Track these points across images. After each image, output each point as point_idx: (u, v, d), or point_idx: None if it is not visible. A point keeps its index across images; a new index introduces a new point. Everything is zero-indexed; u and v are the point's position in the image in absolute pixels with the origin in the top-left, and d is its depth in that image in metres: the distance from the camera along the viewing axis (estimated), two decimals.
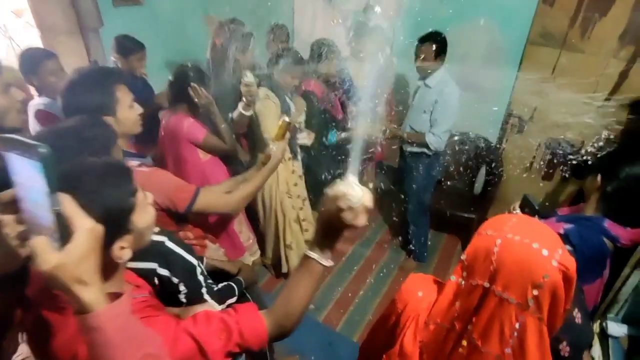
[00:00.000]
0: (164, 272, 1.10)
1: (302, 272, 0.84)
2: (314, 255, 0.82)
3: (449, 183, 3.42)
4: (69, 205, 0.56)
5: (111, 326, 0.58)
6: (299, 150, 2.64)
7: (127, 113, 1.33)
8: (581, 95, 2.72)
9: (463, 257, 0.86)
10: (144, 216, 0.78)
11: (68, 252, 0.54)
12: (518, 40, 2.82)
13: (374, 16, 2.99)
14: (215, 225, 2.09)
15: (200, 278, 1.21)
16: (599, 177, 1.38)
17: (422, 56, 2.41)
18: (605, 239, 1.36)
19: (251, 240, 2.48)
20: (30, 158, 0.50)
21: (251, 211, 2.64)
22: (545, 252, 0.75)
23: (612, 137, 2.60)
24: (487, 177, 3.32)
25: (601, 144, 2.63)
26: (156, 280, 1.10)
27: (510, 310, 0.77)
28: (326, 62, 2.68)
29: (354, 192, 0.73)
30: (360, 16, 3.06)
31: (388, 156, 3.58)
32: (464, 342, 0.83)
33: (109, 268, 0.74)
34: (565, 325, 0.91)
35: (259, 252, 2.58)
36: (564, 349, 0.96)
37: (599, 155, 1.53)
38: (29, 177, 0.51)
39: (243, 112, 2.12)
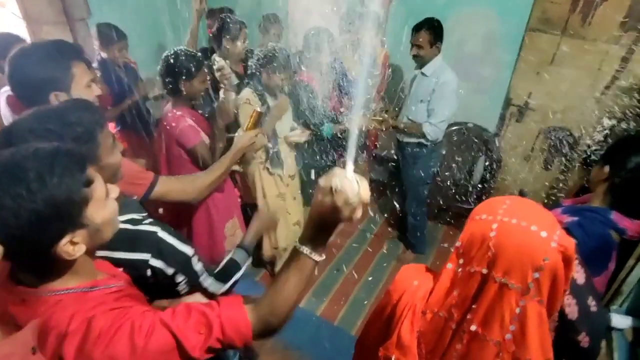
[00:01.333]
0: (157, 263, 1.06)
1: (291, 267, 0.79)
2: (304, 250, 0.77)
3: (447, 174, 3.38)
4: None
5: None
6: (288, 150, 2.54)
7: (83, 92, 1.24)
8: (582, 83, 2.67)
9: (458, 243, 0.84)
10: (101, 211, 0.72)
11: None
12: (517, 27, 2.75)
13: (369, 3, 2.92)
14: (197, 223, 2.02)
15: (197, 266, 1.16)
16: (606, 168, 1.34)
17: (418, 44, 2.35)
18: (611, 231, 1.32)
19: None
20: None
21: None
22: (544, 234, 0.74)
23: (613, 125, 2.56)
24: (485, 167, 3.28)
25: (606, 132, 2.60)
26: (148, 272, 1.06)
27: (511, 296, 0.75)
28: (321, 52, 2.61)
29: (350, 185, 0.69)
30: (355, 4, 2.98)
31: (383, 146, 3.53)
32: (463, 330, 0.81)
33: (66, 263, 0.70)
34: (582, 316, 0.90)
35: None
36: (584, 339, 0.95)
37: (605, 145, 1.48)
38: None
39: (225, 96, 2.06)
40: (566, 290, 0.79)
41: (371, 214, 3.57)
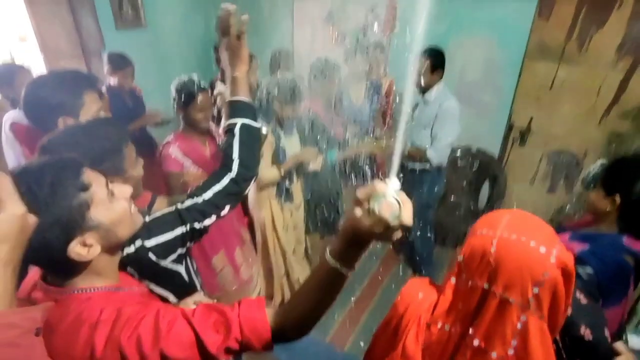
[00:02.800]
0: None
1: (318, 278, 0.76)
2: (332, 262, 0.73)
3: (452, 198, 3.39)
4: (5, 185, 0.54)
5: None
6: (294, 178, 2.51)
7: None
8: (582, 107, 2.73)
9: (460, 258, 0.85)
10: (106, 212, 0.75)
11: None
12: (516, 55, 2.84)
13: (372, 34, 3.04)
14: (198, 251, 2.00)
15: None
16: (617, 197, 1.30)
17: (420, 70, 2.43)
18: (626, 256, 1.28)
19: (251, 276, 2.34)
20: None
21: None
22: (543, 250, 0.75)
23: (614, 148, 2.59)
24: (490, 191, 3.30)
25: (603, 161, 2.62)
26: (178, 250, 1.07)
27: (512, 311, 0.76)
28: (327, 82, 2.68)
29: (390, 209, 0.62)
30: (359, 35, 3.10)
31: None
32: (463, 344, 0.82)
33: (84, 264, 0.73)
34: (575, 310, 0.90)
35: (259, 288, 2.45)
36: (586, 332, 0.94)
37: (603, 170, 1.44)
38: None
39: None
40: (568, 306, 0.79)
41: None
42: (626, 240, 1.28)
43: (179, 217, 1.04)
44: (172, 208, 1.06)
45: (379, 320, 1.06)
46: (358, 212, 0.66)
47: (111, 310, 0.72)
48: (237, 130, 1.08)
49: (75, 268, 0.74)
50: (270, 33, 3.58)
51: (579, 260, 1.27)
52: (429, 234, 3.00)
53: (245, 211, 2.48)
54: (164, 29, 3.51)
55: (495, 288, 0.77)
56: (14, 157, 1.89)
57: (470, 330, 0.81)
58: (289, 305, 0.79)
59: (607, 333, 0.97)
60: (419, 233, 2.97)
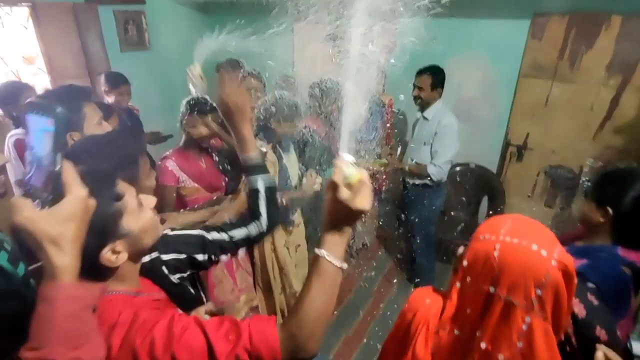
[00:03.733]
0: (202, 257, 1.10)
1: (313, 275, 0.78)
2: (322, 252, 0.76)
3: (452, 214, 3.43)
4: (68, 170, 0.58)
5: (62, 307, 0.57)
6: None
7: (94, 129, 1.33)
8: (576, 123, 2.81)
9: (464, 263, 0.87)
10: (136, 221, 0.78)
11: (51, 211, 0.56)
12: (511, 73, 2.94)
13: (371, 54, 3.13)
14: None
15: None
16: (608, 209, 1.30)
17: (420, 86, 2.50)
18: (623, 268, 1.29)
19: (246, 288, 2.34)
20: (44, 115, 0.53)
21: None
22: (544, 253, 0.78)
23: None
24: (489, 205, 3.34)
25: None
26: (188, 272, 1.09)
27: (516, 313, 0.79)
28: (328, 101, 2.74)
29: (348, 169, 0.74)
30: (358, 55, 3.19)
31: (390, 189, 3.61)
32: (470, 347, 0.84)
33: (112, 269, 0.76)
34: (589, 311, 0.94)
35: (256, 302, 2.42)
36: (601, 333, 0.96)
37: (593, 183, 1.47)
38: (39, 136, 0.54)
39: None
40: (571, 308, 0.82)
41: (378, 257, 3.57)
42: (621, 251, 1.29)
43: (202, 245, 1.07)
44: (198, 232, 1.09)
45: (382, 336, 1.07)
46: (345, 192, 0.73)
47: (129, 313, 0.74)
48: (261, 190, 1.14)
49: (104, 273, 0.77)
50: (270, 54, 3.67)
51: (580, 275, 1.29)
52: (430, 249, 3.02)
53: None
54: (167, 51, 3.59)
55: (500, 291, 0.80)
56: (18, 172, 1.93)
57: (477, 333, 0.83)
58: (293, 313, 0.79)
59: (619, 334, 1.00)
60: (420, 248, 2.99)
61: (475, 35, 2.94)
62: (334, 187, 0.74)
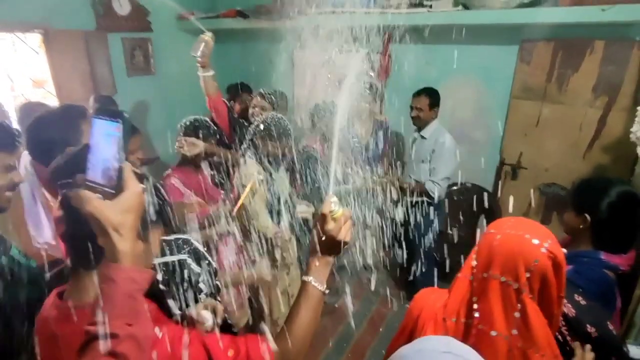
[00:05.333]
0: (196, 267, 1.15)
1: (301, 298, 0.89)
2: (310, 279, 0.89)
3: (450, 232, 3.48)
4: (127, 169, 0.66)
5: (123, 286, 0.62)
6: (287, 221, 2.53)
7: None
8: (566, 142, 2.92)
9: (474, 255, 0.97)
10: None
11: (115, 202, 0.63)
12: (502, 95, 3.08)
13: (369, 79, 3.27)
14: None
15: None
16: (586, 216, 1.38)
17: (418, 107, 2.62)
18: (606, 271, 1.36)
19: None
20: (113, 120, 0.61)
21: None
22: (535, 241, 0.88)
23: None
24: (487, 224, 3.39)
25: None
26: (185, 274, 1.13)
27: (510, 292, 0.88)
28: (329, 123, 2.82)
29: (336, 207, 0.87)
30: (356, 78, 3.32)
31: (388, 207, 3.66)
32: (473, 331, 0.91)
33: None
34: (577, 311, 1.01)
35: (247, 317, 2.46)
36: (591, 330, 1.02)
37: (571, 192, 1.53)
38: (106, 137, 0.62)
39: (200, 74, 2.37)
40: (561, 297, 0.90)
41: (377, 276, 3.58)
42: (604, 255, 1.36)
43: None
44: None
45: (383, 354, 1.12)
46: (331, 224, 0.86)
47: None
48: None
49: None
50: (271, 79, 3.81)
51: (567, 280, 1.34)
52: (429, 267, 3.05)
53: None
54: (171, 76, 3.72)
55: (495, 272, 0.90)
56: (31, 191, 1.96)
57: (475, 315, 0.91)
58: (285, 332, 0.88)
59: (611, 327, 1.05)
60: (419, 266, 3.02)
61: (466, 60, 3.10)
62: (323, 219, 0.87)
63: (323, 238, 0.88)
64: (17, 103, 2.92)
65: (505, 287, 0.88)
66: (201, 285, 1.19)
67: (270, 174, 2.37)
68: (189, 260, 1.15)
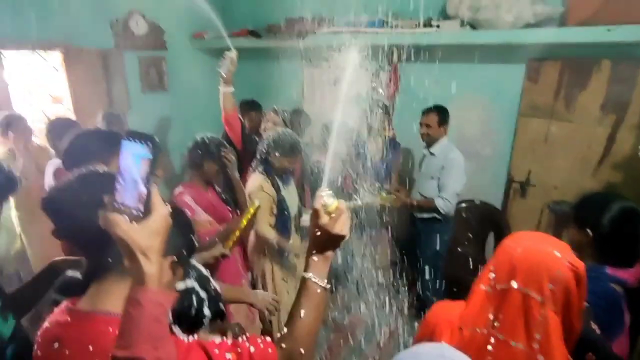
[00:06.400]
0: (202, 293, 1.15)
1: (302, 296, 0.87)
2: (309, 275, 0.86)
3: (459, 249, 3.46)
4: (156, 191, 0.66)
5: (150, 309, 0.62)
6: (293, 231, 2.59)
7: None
8: (575, 160, 2.92)
9: (491, 267, 0.98)
10: None
11: (143, 225, 0.63)
12: (510, 112, 3.10)
13: (377, 96, 3.33)
14: None
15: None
16: (588, 231, 1.37)
17: (427, 124, 2.65)
18: (613, 285, 1.35)
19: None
20: (143, 143, 0.63)
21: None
22: (557, 254, 0.90)
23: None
24: (496, 242, 3.38)
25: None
26: (193, 301, 1.12)
27: (532, 304, 0.88)
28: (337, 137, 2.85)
29: (328, 200, 0.85)
30: (365, 96, 3.39)
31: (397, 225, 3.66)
32: (492, 339, 0.90)
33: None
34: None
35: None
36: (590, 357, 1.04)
37: (573, 207, 1.49)
38: (135, 159, 0.64)
39: (221, 88, 2.40)
40: (582, 311, 0.91)
41: (386, 292, 3.55)
42: (610, 269, 1.35)
43: None
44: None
45: None
46: (325, 218, 0.84)
47: None
48: None
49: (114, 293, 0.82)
50: (282, 96, 3.89)
51: None
52: (439, 285, 3.03)
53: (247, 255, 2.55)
54: (184, 93, 3.81)
55: (518, 283, 0.90)
56: None
57: (495, 325, 0.91)
58: (288, 332, 0.86)
59: (593, 326, 1.08)
60: (428, 283, 3.00)
61: (474, 78, 3.14)
62: (315, 214, 0.85)
63: (318, 233, 0.86)
64: (35, 118, 3.02)
65: (527, 299, 0.88)
66: (205, 311, 1.17)
67: (279, 188, 2.41)
68: (196, 288, 1.14)
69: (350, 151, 2.98)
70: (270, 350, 0.83)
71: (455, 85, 3.17)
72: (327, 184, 0.88)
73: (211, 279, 1.23)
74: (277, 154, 2.35)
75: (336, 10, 3.36)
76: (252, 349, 0.81)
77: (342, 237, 0.85)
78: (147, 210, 0.65)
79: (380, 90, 3.41)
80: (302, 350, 0.84)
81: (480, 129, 3.24)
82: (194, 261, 1.22)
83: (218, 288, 1.25)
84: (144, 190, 0.64)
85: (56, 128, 2.37)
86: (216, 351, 0.79)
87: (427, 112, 2.69)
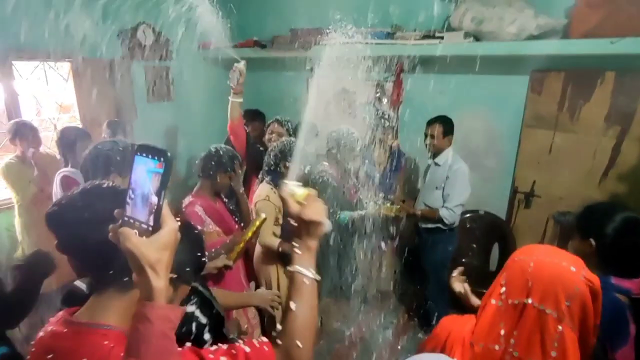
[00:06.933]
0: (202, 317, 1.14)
1: (292, 290, 0.86)
2: (295, 267, 0.86)
3: (463, 260, 3.43)
4: (166, 205, 0.66)
5: (158, 325, 0.62)
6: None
7: None
8: (580, 171, 2.92)
9: (502, 282, 0.96)
10: None
11: (153, 239, 0.63)
12: (515, 123, 3.11)
13: (382, 107, 3.35)
14: None
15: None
16: (591, 241, 1.37)
17: (432, 134, 2.66)
18: (618, 295, 1.33)
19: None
20: (155, 158, 0.62)
21: None
22: (573, 269, 0.88)
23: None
24: (500, 252, 3.36)
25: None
26: (193, 327, 1.12)
27: (549, 321, 0.86)
28: (346, 149, 2.83)
29: (297, 189, 0.87)
30: (370, 108, 3.41)
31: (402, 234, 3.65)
32: (507, 357, 0.89)
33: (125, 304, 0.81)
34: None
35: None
36: None
37: (576, 218, 1.50)
38: (147, 174, 0.64)
39: (231, 98, 2.42)
40: (597, 326, 0.89)
41: (389, 304, 3.53)
42: (614, 280, 1.34)
43: None
44: None
45: None
46: (295, 206, 0.86)
47: (120, 349, 0.74)
48: None
49: (115, 306, 0.83)
50: (286, 106, 3.92)
51: None
52: (443, 295, 3.00)
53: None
54: (189, 103, 3.84)
55: (533, 299, 0.88)
56: None
57: (511, 341, 0.89)
58: (283, 329, 0.85)
59: None
60: (433, 294, 2.98)
61: (478, 89, 3.16)
62: (285, 204, 0.87)
63: (294, 224, 0.86)
64: (43, 127, 3.06)
65: (543, 316, 0.87)
66: (205, 336, 1.16)
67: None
68: (197, 313, 1.14)
69: (355, 161, 2.99)
70: (266, 348, 0.81)
71: (459, 96, 3.19)
72: (294, 177, 0.91)
73: (214, 302, 1.21)
74: (287, 163, 2.36)
75: (341, 22, 3.40)
76: (247, 349, 0.80)
77: (318, 224, 0.85)
78: (156, 225, 0.64)
79: (385, 101, 3.43)
80: (300, 344, 0.82)
81: (485, 139, 3.25)
82: (197, 284, 1.19)
83: (221, 312, 1.23)
84: (154, 204, 0.64)
85: (66, 137, 2.41)
86: (211, 356, 0.78)
87: (431, 123, 2.70)
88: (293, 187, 0.88)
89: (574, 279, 0.86)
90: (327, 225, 0.88)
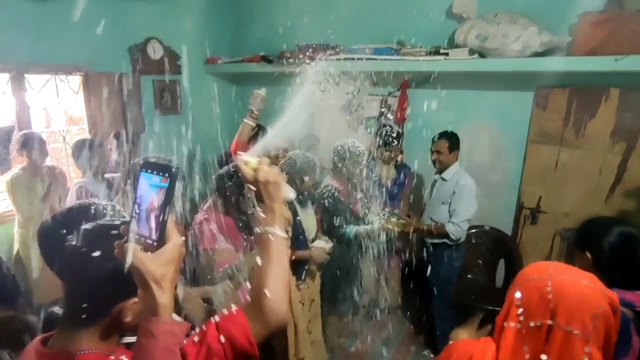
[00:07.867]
0: None
1: (259, 250, 0.86)
2: (261, 228, 0.87)
3: (469, 276, 3.40)
4: (171, 220, 0.66)
5: (163, 341, 0.61)
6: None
7: None
8: (587, 187, 2.91)
9: (518, 302, 0.93)
10: None
11: (157, 254, 0.63)
12: (520, 139, 3.11)
13: (387, 122, 3.37)
14: None
15: None
16: (587, 254, 1.38)
17: (438, 150, 2.67)
18: (622, 308, 1.35)
19: None
20: (160, 174, 0.63)
21: None
22: (593, 287, 0.87)
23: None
24: (507, 268, 3.32)
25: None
26: None
27: (576, 342, 0.84)
28: (351, 163, 2.83)
29: (251, 159, 0.91)
30: (374, 121, 3.43)
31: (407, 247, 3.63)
32: None
33: (117, 323, 0.79)
34: None
35: None
36: None
37: (575, 231, 1.51)
38: (153, 189, 0.64)
39: (246, 121, 2.44)
40: (616, 342, 0.88)
41: (394, 321, 3.48)
42: (617, 292, 1.33)
43: None
44: None
45: None
46: (250, 173, 0.89)
47: None
48: None
49: (107, 325, 0.79)
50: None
51: None
52: (449, 311, 2.97)
53: None
54: (196, 116, 3.88)
55: (559, 321, 0.86)
56: None
57: None
58: (251, 288, 0.84)
59: None
60: (439, 310, 2.94)
61: (483, 105, 3.18)
62: (240, 172, 0.90)
63: (253, 188, 0.88)
64: (52, 139, 3.10)
65: (570, 336, 0.85)
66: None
67: (296, 212, 2.42)
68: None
69: (360, 175, 2.99)
70: (234, 310, 0.80)
71: (464, 111, 3.21)
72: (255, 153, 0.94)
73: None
74: (305, 178, 2.40)
75: (346, 37, 3.46)
76: (216, 318, 0.79)
77: (275, 185, 0.87)
78: (161, 240, 0.64)
79: (390, 116, 3.45)
80: (268, 293, 0.79)
81: (490, 155, 3.25)
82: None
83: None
84: (159, 219, 0.64)
85: (80, 148, 2.49)
86: (184, 341, 0.75)
87: (437, 139, 2.72)
88: (246, 157, 0.91)
89: (597, 296, 0.85)
90: (287, 189, 0.91)
